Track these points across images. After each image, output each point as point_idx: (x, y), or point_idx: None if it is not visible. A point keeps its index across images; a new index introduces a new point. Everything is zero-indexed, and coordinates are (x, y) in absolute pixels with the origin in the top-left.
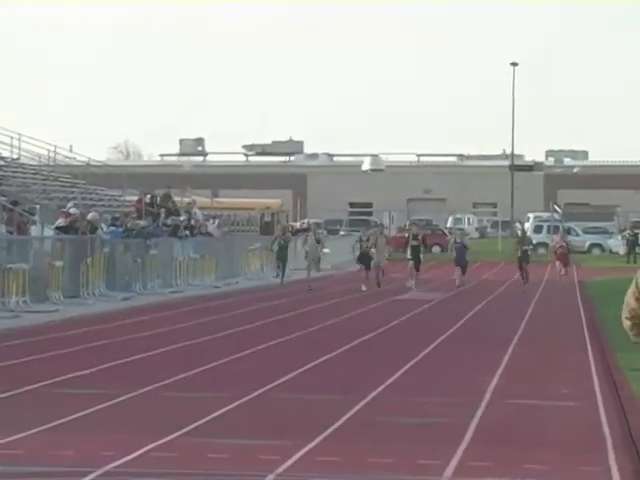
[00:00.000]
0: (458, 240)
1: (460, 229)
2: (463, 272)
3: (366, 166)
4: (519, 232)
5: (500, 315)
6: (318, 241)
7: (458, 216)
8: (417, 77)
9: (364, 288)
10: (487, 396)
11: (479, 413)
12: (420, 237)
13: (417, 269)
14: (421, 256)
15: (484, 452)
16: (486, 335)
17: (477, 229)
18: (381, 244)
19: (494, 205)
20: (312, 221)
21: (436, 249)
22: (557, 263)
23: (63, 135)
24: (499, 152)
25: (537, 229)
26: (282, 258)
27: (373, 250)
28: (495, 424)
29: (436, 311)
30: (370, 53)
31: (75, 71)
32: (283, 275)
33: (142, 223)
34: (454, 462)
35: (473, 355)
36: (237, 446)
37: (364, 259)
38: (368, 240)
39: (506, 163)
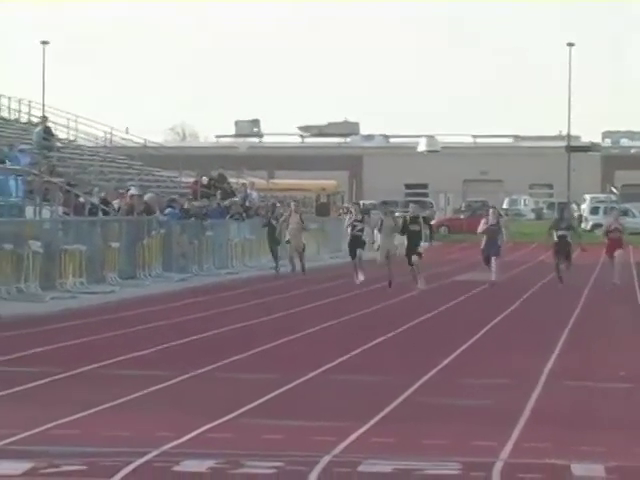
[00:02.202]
0: (493, 221)
1: (494, 207)
2: (495, 255)
3: (422, 147)
4: (574, 213)
5: (556, 297)
6: (302, 223)
7: (514, 197)
8: (473, 58)
9: (361, 278)
10: (543, 378)
11: (535, 395)
12: (421, 220)
13: (418, 256)
14: (422, 246)
15: (540, 433)
16: (542, 317)
17: (533, 210)
18: (387, 228)
19: (550, 186)
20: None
21: (505, 226)
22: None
23: (120, 116)
24: (555, 133)
25: (594, 210)
26: (273, 242)
27: (377, 233)
28: (551, 406)
29: (491, 293)
30: (425, 35)
31: (132, 52)
32: (277, 263)
33: (199, 204)
34: (510, 443)
35: (529, 337)
36: (292, 427)
37: (355, 245)
38: (362, 221)
39: (562, 144)
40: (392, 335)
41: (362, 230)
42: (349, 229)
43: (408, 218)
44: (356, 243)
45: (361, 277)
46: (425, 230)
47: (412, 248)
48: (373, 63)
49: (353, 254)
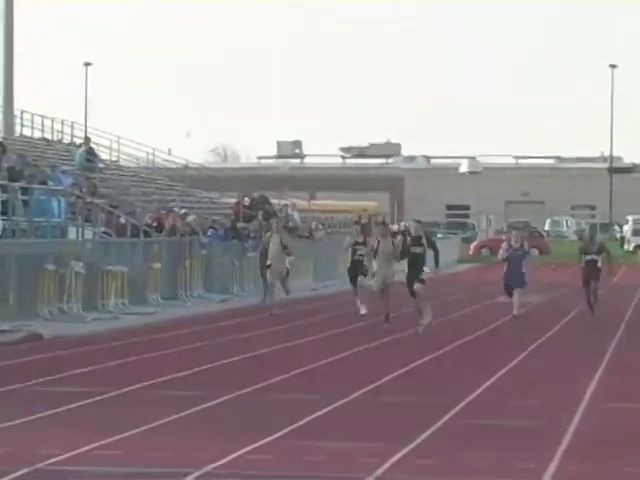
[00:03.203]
0: (516, 245)
1: (518, 228)
2: (520, 288)
3: (463, 168)
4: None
5: (599, 317)
6: (285, 246)
7: (556, 219)
8: (515, 79)
9: (363, 312)
10: (586, 399)
11: (578, 416)
12: (424, 241)
13: (419, 282)
14: (425, 269)
15: (583, 456)
16: (585, 338)
17: (575, 232)
18: (385, 249)
19: (592, 207)
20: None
21: (534, 252)
22: None
23: (162, 137)
24: (597, 154)
25: (636, 232)
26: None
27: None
28: (594, 427)
29: (534, 314)
30: (467, 54)
31: (173, 73)
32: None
33: (241, 225)
34: (553, 466)
35: (571, 359)
36: (335, 448)
37: (356, 271)
38: (364, 243)
39: (605, 165)
40: (433, 357)
41: (364, 255)
42: (349, 252)
43: (409, 239)
44: (357, 270)
45: (363, 310)
46: (428, 251)
47: (414, 275)
48: (415, 84)
49: (354, 282)
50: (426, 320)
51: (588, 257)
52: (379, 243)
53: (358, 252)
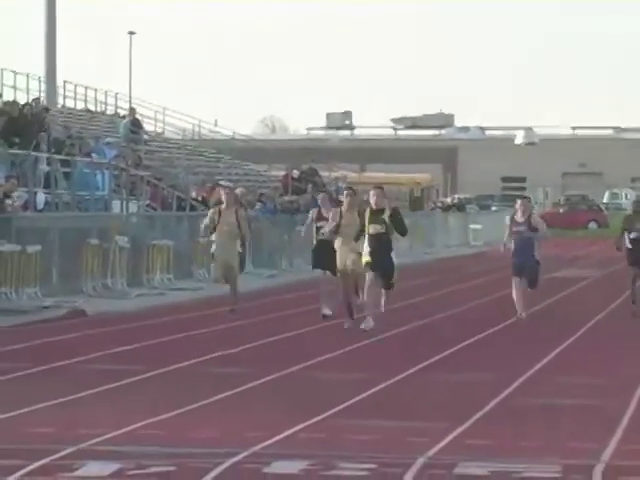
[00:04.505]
0: (520, 220)
1: (524, 197)
2: (531, 285)
3: (519, 139)
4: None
5: None
6: (239, 223)
7: (615, 191)
8: (571, 48)
9: (327, 312)
10: None
11: (637, 395)
12: (388, 215)
13: (386, 285)
14: (393, 257)
15: None
16: None
17: (632, 203)
18: (349, 225)
19: None
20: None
21: (592, 225)
22: None
23: (208, 108)
24: None
25: None
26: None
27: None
28: None
29: (591, 290)
30: (524, 24)
31: (221, 42)
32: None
33: (289, 199)
34: (612, 445)
35: (629, 337)
36: (386, 428)
37: (323, 255)
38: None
39: None
40: (487, 334)
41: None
42: (313, 230)
43: (368, 213)
44: (324, 251)
45: (327, 310)
46: (393, 231)
47: (381, 265)
48: (469, 54)
49: (321, 264)
50: (365, 324)
51: (633, 235)
52: (341, 216)
53: (321, 230)
